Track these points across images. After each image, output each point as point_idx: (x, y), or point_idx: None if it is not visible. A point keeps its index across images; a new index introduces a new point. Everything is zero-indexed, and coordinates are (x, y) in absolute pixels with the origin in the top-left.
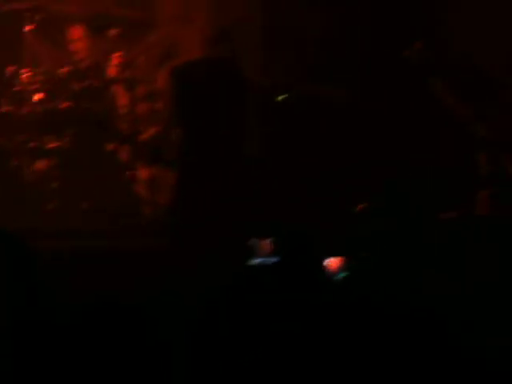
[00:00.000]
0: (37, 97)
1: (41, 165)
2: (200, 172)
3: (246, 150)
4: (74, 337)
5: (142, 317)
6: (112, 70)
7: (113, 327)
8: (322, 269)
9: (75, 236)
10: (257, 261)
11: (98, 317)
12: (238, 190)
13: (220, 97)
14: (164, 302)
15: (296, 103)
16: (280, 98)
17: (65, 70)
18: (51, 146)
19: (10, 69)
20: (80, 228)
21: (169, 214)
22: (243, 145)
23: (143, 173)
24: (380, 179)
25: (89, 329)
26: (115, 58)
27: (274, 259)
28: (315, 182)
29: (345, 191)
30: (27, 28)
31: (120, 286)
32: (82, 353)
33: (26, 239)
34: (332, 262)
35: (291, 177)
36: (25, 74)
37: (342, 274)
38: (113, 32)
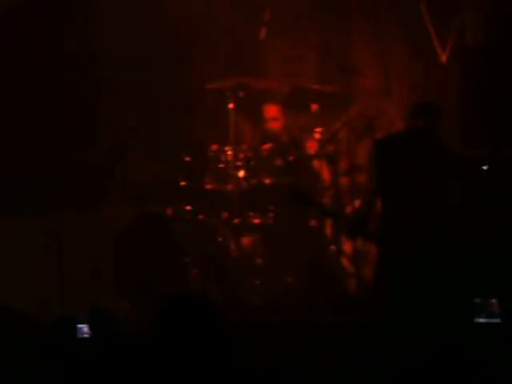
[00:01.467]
0: (241, 173)
1: (246, 240)
2: (404, 246)
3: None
4: None
5: None
6: (313, 145)
7: None
8: None
9: (279, 310)
10: (481, 320)
11: None
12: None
13: (423, 168)
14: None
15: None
16: (485, 167)
17: (267, 146)
18: (256, 221)
19: (215, 146)
20: (284, 302)
21: (374, 288)
22: (449, 217)
23: (347, 246)
24: None
25: None
26: (316, 133)
27: (497, 319)
28: None
29: None
30: (231, 105)
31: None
32: None
33: (223, 309)
34: None
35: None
36: (229, 151)
37: None
38: (313, 107)
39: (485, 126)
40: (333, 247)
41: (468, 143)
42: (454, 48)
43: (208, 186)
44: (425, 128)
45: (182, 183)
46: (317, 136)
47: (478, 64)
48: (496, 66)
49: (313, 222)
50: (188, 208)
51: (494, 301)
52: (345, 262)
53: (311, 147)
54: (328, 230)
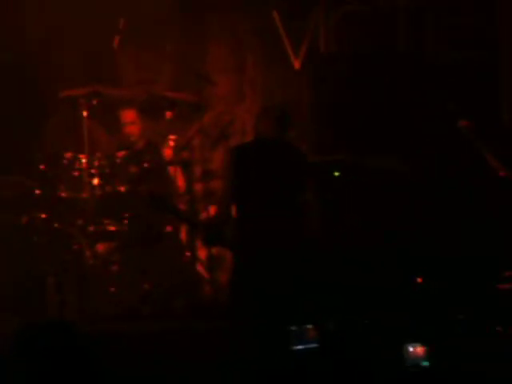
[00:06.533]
0: (96, 181)
1: (101, 248)
2: (257, 252)
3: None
4: None
5: None
6: (168, 152)
7: None
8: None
9: (135, 318)
10: (298, 347)
11: None
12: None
13: (275, 175)
14: None
15: (355, 178)
16: (337, 173)
17: (121, 153)
18: (111, 228)
19: (69, 154)
20: (140, 309)
21: (228, 294)
22: (302, 223)
23: (202, 252)
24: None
25: None
26: (171, 140)
27: (314, 345)
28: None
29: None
30: (84, 113)
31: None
32: None
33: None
34: (415, 350)
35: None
36: (83, 159)
37: (425, 363)
38: (168, 114)
39: (338, 132)
40: (188, 253)
41: (321, 149)
42: (306, 55)
43: (63, 194)
44: (274, 134)
45: (37, 191)
46: (171, 143)
47: (330, 70)
48: (347, 72)
49: (168, 229)
50: (43, 216)
51: (310, 327)
52: (200, 268)
53: (166, 154)
54: (183, 236)
